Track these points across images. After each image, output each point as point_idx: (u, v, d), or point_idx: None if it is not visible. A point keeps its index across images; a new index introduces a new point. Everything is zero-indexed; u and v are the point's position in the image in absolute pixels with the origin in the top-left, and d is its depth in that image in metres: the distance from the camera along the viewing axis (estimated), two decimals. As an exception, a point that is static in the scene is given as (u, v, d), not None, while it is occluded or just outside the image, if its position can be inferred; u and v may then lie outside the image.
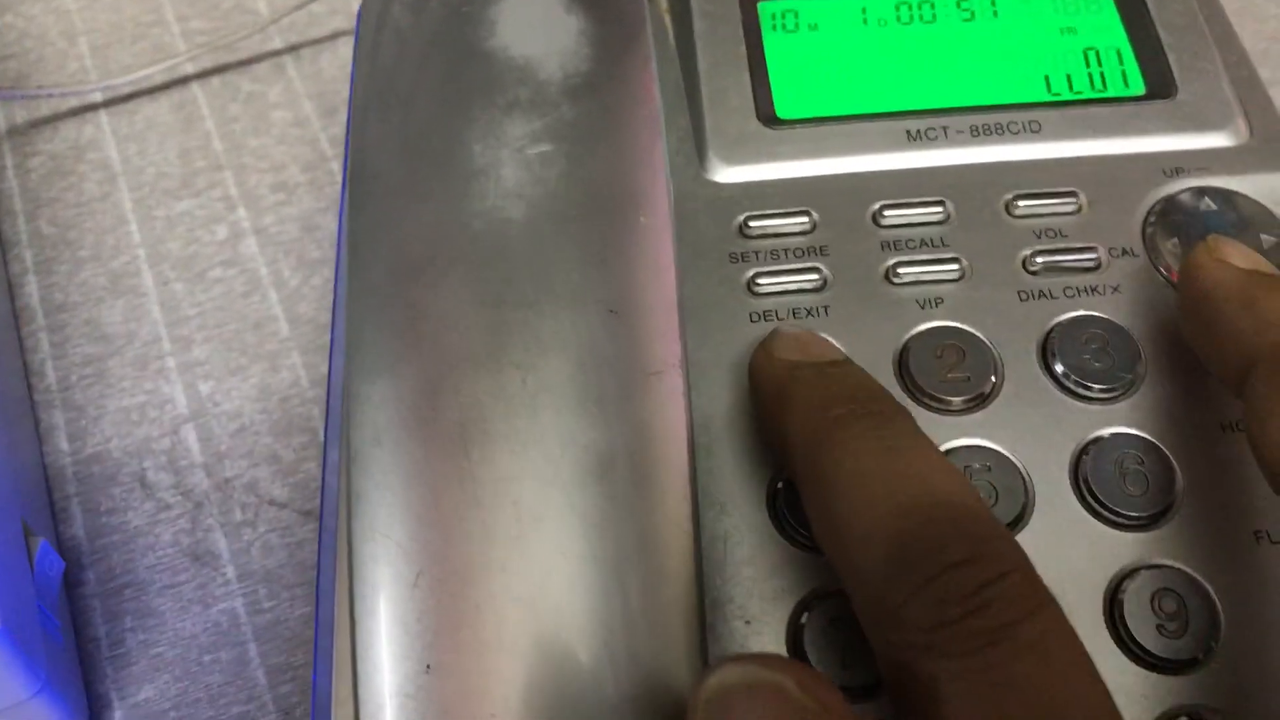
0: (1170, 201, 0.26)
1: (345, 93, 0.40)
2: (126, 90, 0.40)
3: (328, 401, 0.25)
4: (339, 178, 0.37)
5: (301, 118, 0.39)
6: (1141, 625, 0.21)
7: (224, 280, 0.34)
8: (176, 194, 0.36)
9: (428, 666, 0.18)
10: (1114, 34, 0.28)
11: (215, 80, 0.40)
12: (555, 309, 0.21)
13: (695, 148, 0.27)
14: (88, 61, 0.41)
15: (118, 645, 0.28)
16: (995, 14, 0.29)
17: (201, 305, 0.34)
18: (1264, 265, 0.22)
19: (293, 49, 0.41)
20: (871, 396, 0.21)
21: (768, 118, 0.27)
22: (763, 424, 0.23)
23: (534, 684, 0.18)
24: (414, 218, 0.22)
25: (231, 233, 0.35)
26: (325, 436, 0.24)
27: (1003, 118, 0.27)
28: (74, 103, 0.40)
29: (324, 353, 0.32)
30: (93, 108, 0.40)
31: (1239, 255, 0.22)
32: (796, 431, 0.21)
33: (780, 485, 0.23)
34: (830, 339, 0.24)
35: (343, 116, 0.39)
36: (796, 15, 0.29)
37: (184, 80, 0.41)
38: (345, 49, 0.42)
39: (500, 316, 0.20)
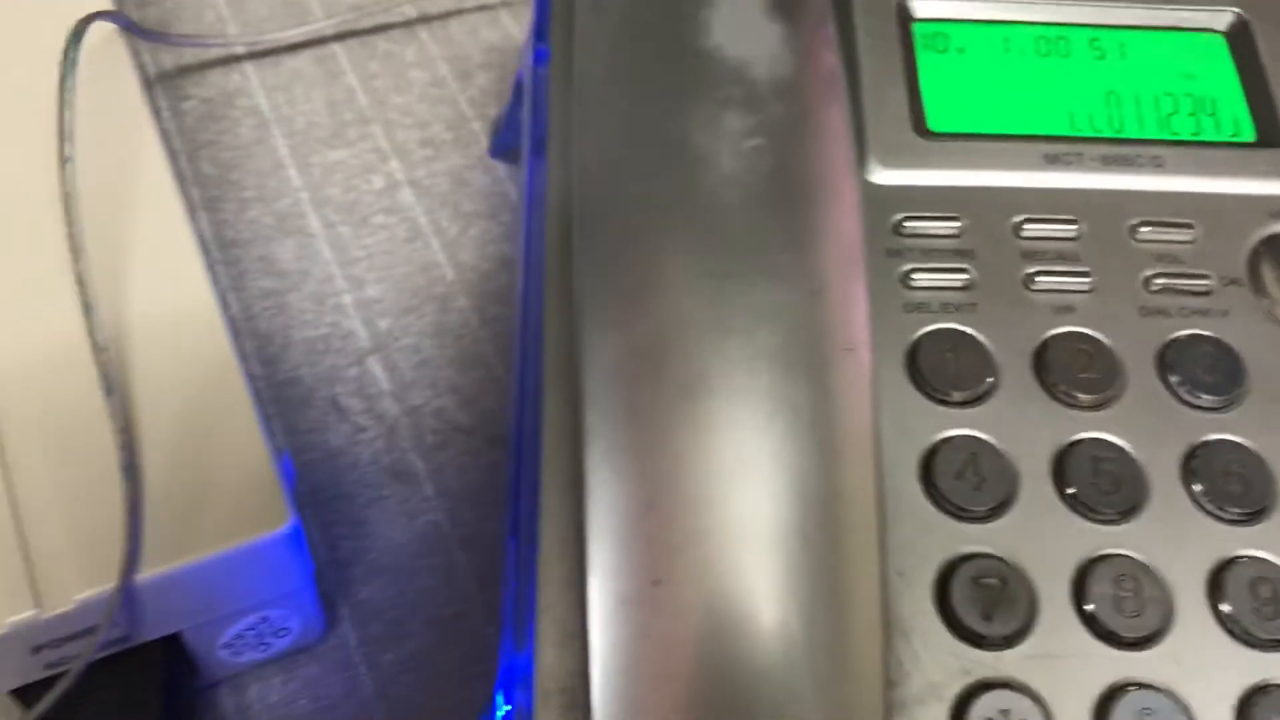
0: (1273, 239, 0.29)
1: (477, 58, 0.42)
2: (268, 44, 0.42)
3: (519, 364, 0.27)
4: (481, 138, 0.40)
5: (438, 78, 0.41)
6: (1241, 606, 0.25)
7: (387, 226, 0.36)
8: (329, 143, 0.39)
9: (657, 580, 0.21)
10: (1230, 85, 0.31)
11: (352, 40, 0.43)
12: (768, 285, 0.23)
13: (857, 150, 0.30)
14: (224, 12, 0.44)
15: (333, 551, 0.31)
16: (1123, 55, 0.32)
17: (368, 248, 0.36)
18: None
19: (424, 19, 0.44)
20: None
21: (921, 129, 0.30)
22: None
23: (749, 605, 0.21)
24: (640, 195, 0.24)
25: (387, 183, 0.37)
26: (519, 393, 0.26)
27: (1130, 150, 0.30)
28: (218, 53, 0.42)
29: (491, 298, 0.35)
30: (237, 59, 0.42)
31: None
32: None
33: (932, 457, 0.26)
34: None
35: (480, 81, 0.42)
36: (947, 38, 0.32)
37: (322, 40, 0.43)
38: (471, 18, 0.44)
39: (721, 287, 0.23)
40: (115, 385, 0.26)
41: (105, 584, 0.25)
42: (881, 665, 0.22)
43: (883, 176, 0.29)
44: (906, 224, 0.29)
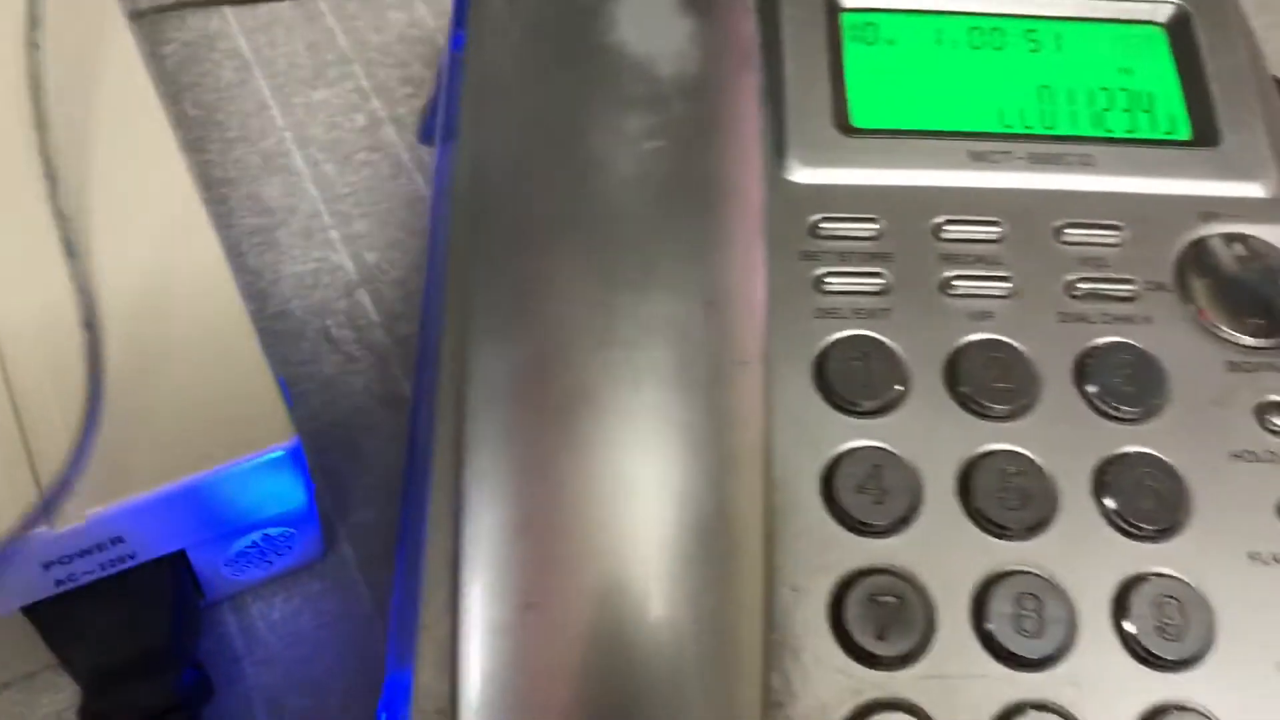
0: (1202, 244, 0.28)
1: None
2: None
3: (421, 342, 0.27)
4: (464, 77, 0.39)
5: (417, 19, 0.41)
6: (1144, 625, 0.24)
7: (371, 163, 0.37)
8: (311, 84, 0.39)
9: (529, 604, 0.21)
10: (1167, 80, 0.30)
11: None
12: (660, 296, 0.23)
13: (775, 147, 0.29)
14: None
15: (331, 476, 0.31)
16: (1059, 48, 0.31)
17: (353, 185, 0.37)
18: None
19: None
20: None
21: (844, 125, 0.29)
22: None
23: (623, 630, 0.21)
24: (532, 196, 0.24)
25: (369, 121, 0.38)
26: (418, 378, 0.26)
27: (1059, 148, 0.29)
28: (194, -3, 0.41)
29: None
30: (215, 2, 0.41)
31: None
32: None
33: (833, 469, 0.25)
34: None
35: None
36: (876, 29, 0.31)
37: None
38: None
39: (611, 298, 0.23)
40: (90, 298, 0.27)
41: (116, 500, 0.25)
42: (761, 689, 0.21)
43: (802, 175, 0.29)
44: (823, 225, 0.28)
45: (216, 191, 0.37)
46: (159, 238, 0.28)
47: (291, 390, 0.33)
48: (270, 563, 0.29)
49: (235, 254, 0.35)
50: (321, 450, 0.32)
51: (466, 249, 0.24)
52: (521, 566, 0.21)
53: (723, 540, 0.22)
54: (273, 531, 0.28)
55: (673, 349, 0.22)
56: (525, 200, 0.24)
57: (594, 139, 0.24)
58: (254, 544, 0.28)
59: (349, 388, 0.33)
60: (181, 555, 0.27)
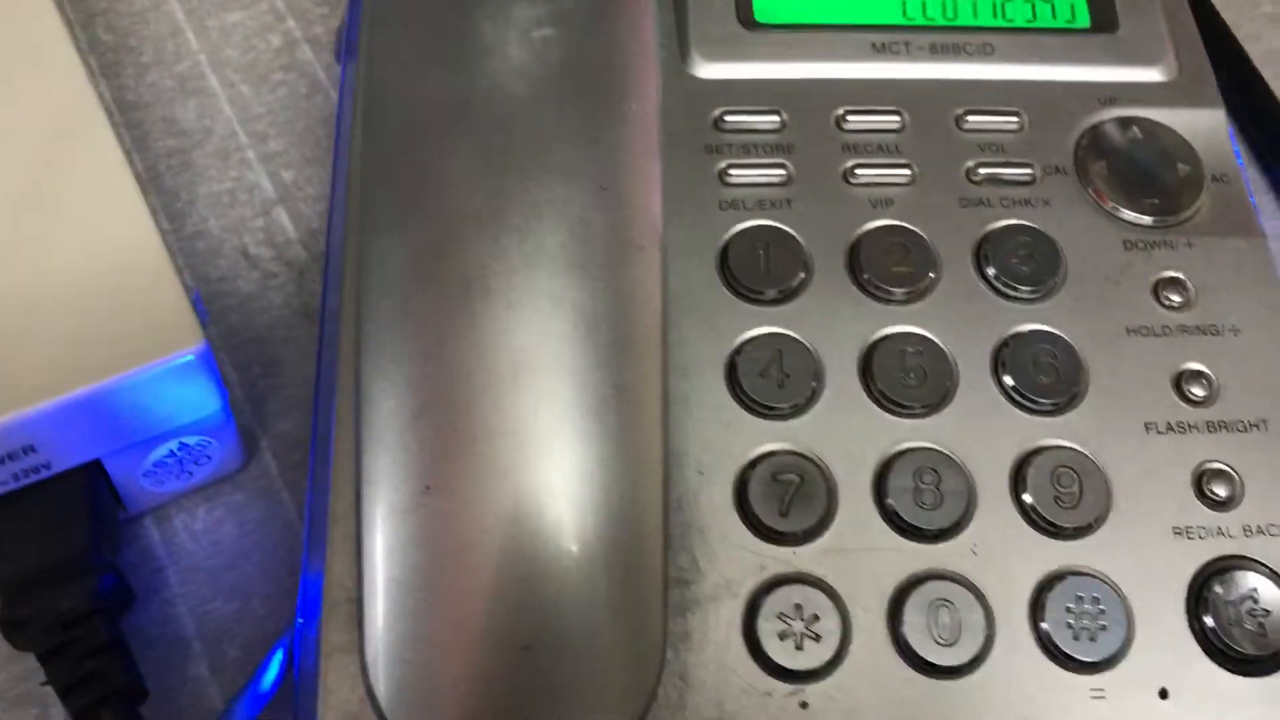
0: (1100, 128, 0.29)
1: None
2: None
3: (327, 251, 0.27)
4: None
5: None
6: (1042, 495, 0.25)
7: (287, 83, 0.37)
8: (225, 6, 0.39)
9: (427, 487, 0.21)
10: (1067, -32, 0.31)
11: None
12: (552, 181, 0.23)
13: (678, 42, 0.29)
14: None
15: (251, 389, 0.32)
16: (961, -61, 0.31)
17: (269, 105, 0.36)
18: None
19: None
20: None
21: (747, 20, 0.29)
22: None
23: (520, 508, 0.21)
24: (425, 88, 0.24)
25: (285, 42, 0.38)
26: (325, 283, 0.26)
27: (959, 38, 0.29)
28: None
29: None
30: None
31: None
32: None
33: (736, 356, 0.25)
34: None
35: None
36: (779, -75, 0.31)
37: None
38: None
39: (503, 184, 0.23)
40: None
41: (24, 407, 0.25)
42: (663, 564, 0.22)
43: (705, 70, 0.29)
44: (726, 118, 0.28)
45: (131, 115, 0.36)
46: (56, 144, 0.28)
47: (210, 307, 0.33)
48: (190, 474, 0.29)
49: (152, 176, 0.35)
50: (241, 366, 0.32)
51: (362, 146, 0.24)
52: (418, 450, 0.21)
53: (619, 420, 0.22)
54: (189, 440, 0.28)
55: (565, 232, 0.22)
56: (418, 93, 0.24)
57: (484, 29, 0.24)
58: (171, 453, 0.28)
59: (268, 303, 0.33)
60: (97, 465, 0.27)
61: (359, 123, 0.24)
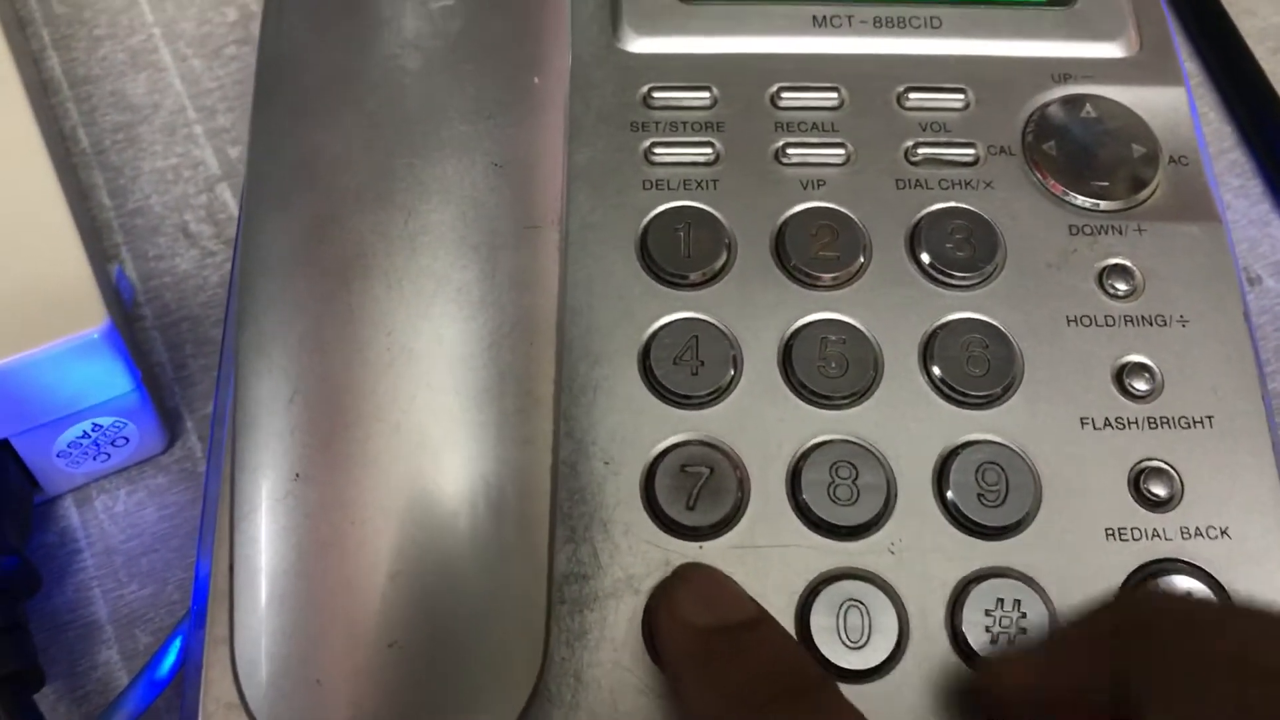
0: (1050, 106, 0.27)
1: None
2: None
3: (238, 230, 0.26)
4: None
5: None
6: (965, 493, 0.23)
7: (239, 57, 0.36)
8: None
9: (297, 475, 0.20)
10: (1024, -62, 0.29)
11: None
12: (441, 157, 0.22)
13: (611, 16, 0.28)
14: None
15: (181, 369, 0.31)
16: (915, -91, 0.30)
17: (220, 79, 0.36)
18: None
19: None
20: (793, 670, 0.21)
21: (683, -7, 0.28)
22: (674, 696, 0.22)
23: (393, 499, 0.20)
24: (317, 61, 0.23)
25: (241, 15, 0.37)
26: (233, 260, 0.26)
27: (905, 11, 0.28)
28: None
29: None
30: None
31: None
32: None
33: (651, 342, 0.24)
34: (735, 580, 0.23)
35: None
36: (722, -107, 0.29)
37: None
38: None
39: (389, 161, 0.22)
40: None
41: None
42: (549, 557, 0.21)
43: (637, 44, 0.28)
44: (655, 95, 0.27)
45: (80, 90, 0.36)
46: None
47: (146, 285, 0.32)
48: (108, 455, 0.28)
49: (97, 151, 0.35)
50: (173, 346, 0.31)
51: (254, 119, 0.23)
52: (289, 437, 0.20)
53: (502, 407, 0.21)
54: (103, 421, 0.27)
55: (453, 211, 0.21)
56: (309, 65, 0.23)
57: (382, 2, 0.23)
58: (85, 434, 0.27)
59: (204, 281, 0.32)
60: (5, 445, 0.27)
61: (257, 96, 0.23)
